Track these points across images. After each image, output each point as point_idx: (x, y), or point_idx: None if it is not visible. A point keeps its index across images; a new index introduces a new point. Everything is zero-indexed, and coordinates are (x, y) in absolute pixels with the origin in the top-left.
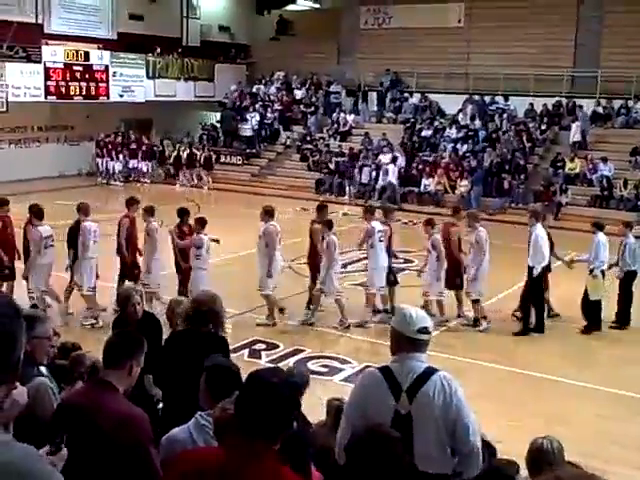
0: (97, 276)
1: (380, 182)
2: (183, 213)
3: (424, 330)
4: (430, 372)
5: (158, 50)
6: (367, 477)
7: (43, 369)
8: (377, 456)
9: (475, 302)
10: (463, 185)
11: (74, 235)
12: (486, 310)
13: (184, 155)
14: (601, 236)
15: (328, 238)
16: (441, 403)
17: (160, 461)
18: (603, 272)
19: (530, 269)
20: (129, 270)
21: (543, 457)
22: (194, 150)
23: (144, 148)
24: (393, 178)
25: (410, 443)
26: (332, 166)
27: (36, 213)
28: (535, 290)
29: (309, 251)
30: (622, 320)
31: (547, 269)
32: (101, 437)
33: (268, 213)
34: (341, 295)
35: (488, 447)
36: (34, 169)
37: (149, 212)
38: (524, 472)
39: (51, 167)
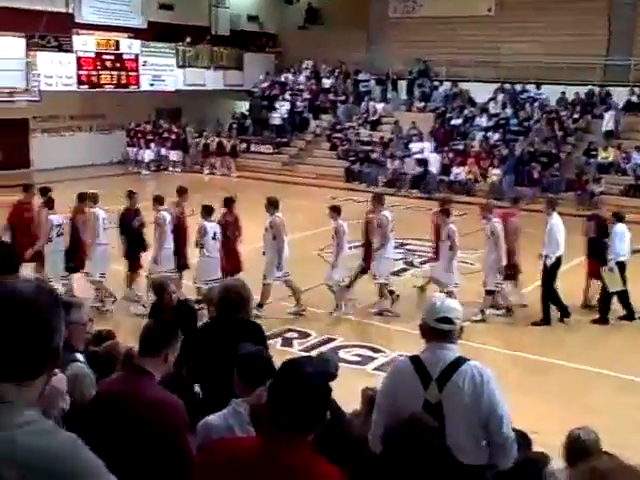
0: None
1: (411, 170)
2: (229, 201)
3: (445, 320)
4: (460, 362)
5: (188, 39)
6: (404, 467)
7: (79, 356)
8: (415, 446)
9: (490, 293)
10: (494, 174)
11: (125, 222)
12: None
13: (213, 144)
14: (619, 227)
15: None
16: (471, 393)
17: (196, 447)
18: (621, 263)
19: (545, 258)
20: (177, 258)
21: (580, 448)
22: (222, 139)
23: (173, 137)
24: (434, 168)
25: (442, 433)
26: (362, 155)
27: (48, 201)
28: (548, 279)
29: (364, 242)
30: None
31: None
32: (138, 424)
33: (272, 204)
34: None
35: (524, 438)
36: (66, 157)
37: (159, 201)
38: (559, 463)
39: (83, 156)
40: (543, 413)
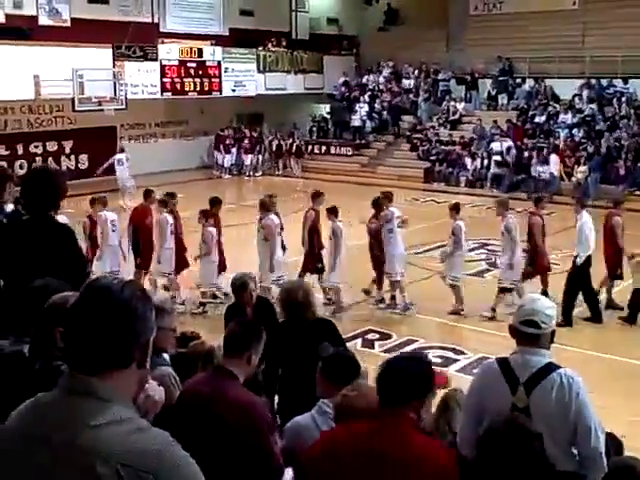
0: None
1: (492, 170)
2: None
3: (531, 323)
4: (551, 368)
5: (271, 44)
6: (501, 472)
7: (166, 356)
8: (514, 450)
9: (504, 291)
10: (581, 171)
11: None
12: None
13: (286, 146)
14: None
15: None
16: (559, 402)
17: (284, 448)
18: None
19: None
20: (312, 263)
21: None
22: (290, 140)
23: (253, 141)
24: (554, 169)
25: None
26: (442, 155)
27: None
28: (574, 279)
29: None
30: None
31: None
32: (222, 425)
33: (264, 206)
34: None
35: (613, 440)
36: (152, 163)
37: (162, 204)
38: None
39: (167, 162)
40: (630, 417)
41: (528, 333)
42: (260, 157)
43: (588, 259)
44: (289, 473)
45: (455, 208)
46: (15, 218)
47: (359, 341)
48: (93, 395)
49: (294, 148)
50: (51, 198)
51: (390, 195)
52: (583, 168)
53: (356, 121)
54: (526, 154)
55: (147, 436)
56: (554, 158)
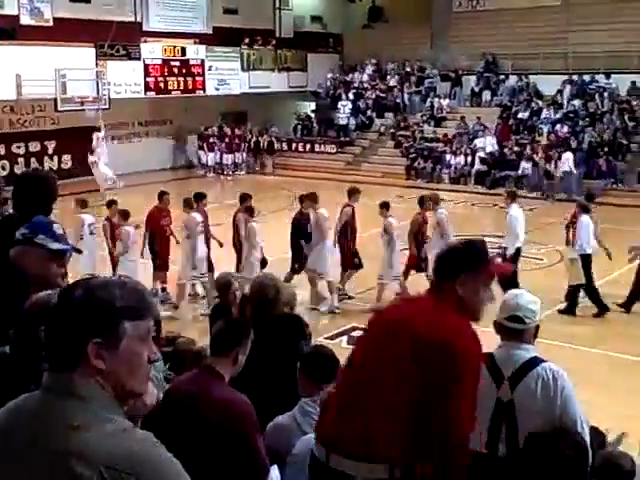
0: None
1: (476, 167)
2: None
3: (516, 318)
4: (536, 362)
5: (258, 43)
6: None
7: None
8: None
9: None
10: (564, 167)
11: (299, 226)
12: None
13: (263, 143)
14: (585, 218)
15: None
16: (544, 396)
17: (266, 447)
18: (587, 256)
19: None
20: (349, 259)
21: None
22: (265, 137)
23: (237, 140)
24: (572, 166)
25: (515, 432)
26: (425, 152)
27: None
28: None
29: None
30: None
31: None
32: (208, 424)
33: (187, 204)
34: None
35: (597, 434)
36: (134, 163)
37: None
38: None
39: (151, 161)
40: (618, 411)
41: (512, 328)
42: (244, 155)
43: (518, 250)
44: (274, 472)
45: (385, 206)
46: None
47: (344, 338)
48: (74, 395)
49: (266, 144)
50: (43, 202)
51: (313, 196)
52: (567, 164)
53: (341, 119)
54: (510, 150)
55: (130, 437)
56: (538, 154)
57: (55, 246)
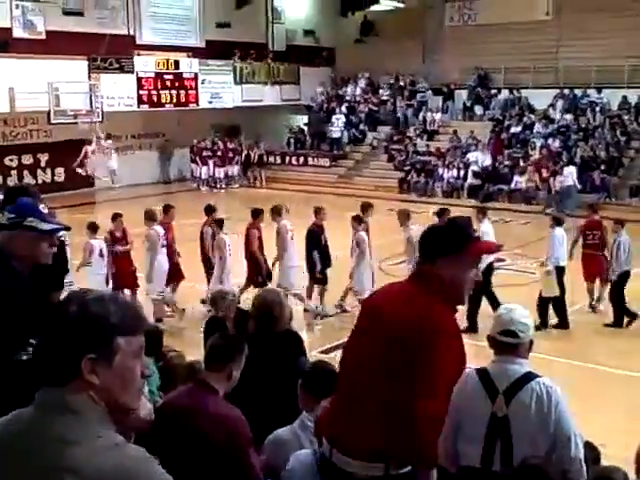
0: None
1: (469, 180)
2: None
3: (510, 333)
4: (530, 377)
5: (250, 56)
6: None
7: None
8: None
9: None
10: (558, 181)
11: (314, 236)
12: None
13: (253, 156)
14: (558, 231)
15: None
16: (538, 410)
17: (265, 461)
18: (561, 268)
19: None
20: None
21: None
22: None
23: (230, 154)
24: (576, 180)
25: (510, 447)
26: (418, 165)
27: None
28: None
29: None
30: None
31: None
32: (202, 439)
33: (149, 217)
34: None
35: (592, 450)
36: (128, 176)
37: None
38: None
39: (143, 174)
40: (609, 423)
41: (507, 343)
42: (237, 168)
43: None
44: None
45: (357, 219)
46: None
47: (339, 352)
48: (67, 409)
49: (256, 158)
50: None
51: (277, 208)
52: (561, 178)
53: (334, 132)
54: (502, 164)
55: (122, 452)
56: (530, 168)
57: (46, 227)
